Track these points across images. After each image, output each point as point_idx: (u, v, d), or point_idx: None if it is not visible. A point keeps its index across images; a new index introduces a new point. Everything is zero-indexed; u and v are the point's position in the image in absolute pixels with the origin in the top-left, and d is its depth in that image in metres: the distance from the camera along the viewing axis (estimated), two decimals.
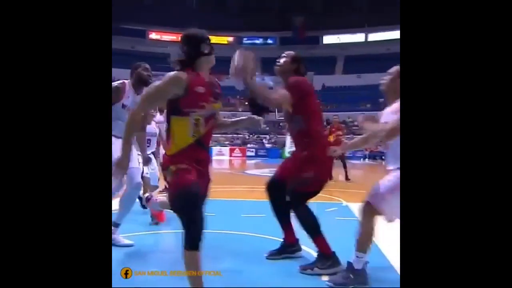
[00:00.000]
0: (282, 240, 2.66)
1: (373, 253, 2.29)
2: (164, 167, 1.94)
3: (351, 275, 2.18)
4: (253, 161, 21.25)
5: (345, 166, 8.09)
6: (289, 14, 33.78)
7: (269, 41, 36.44)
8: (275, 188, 2.61)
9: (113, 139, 2.39)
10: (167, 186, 2.30)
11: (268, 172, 11.80)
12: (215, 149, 23.74)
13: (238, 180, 10.69)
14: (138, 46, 31.82)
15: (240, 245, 3.20)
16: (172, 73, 1.82)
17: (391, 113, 2.21)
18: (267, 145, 26.86)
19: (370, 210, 2.18)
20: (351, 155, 18.12)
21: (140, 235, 3.35)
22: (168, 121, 1.85)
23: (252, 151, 25.57)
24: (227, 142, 26.82)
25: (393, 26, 26.70)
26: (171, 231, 3.52)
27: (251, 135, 28.24)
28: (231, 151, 24.99)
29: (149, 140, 4.17)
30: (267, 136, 27.92)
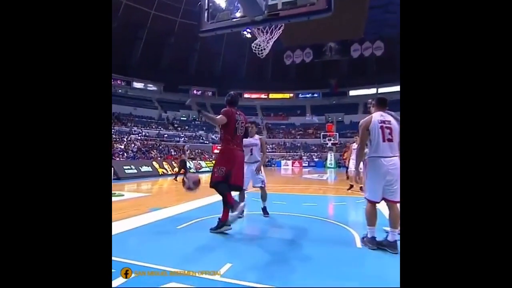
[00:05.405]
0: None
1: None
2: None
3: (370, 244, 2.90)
4: (307, 169, 23.95)
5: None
6: (327, 77, 39.21)
7: (315, 95, 41.67)
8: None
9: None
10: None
11: (316, 176, 14.13)
12: (282, 162, 29.55)
13: (298, 181, 12.29)
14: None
15: (300, 222, 3.90)
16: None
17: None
18: (315, 159, 31.21)
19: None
20: None
21: None
22: None
23: (306, 163, 29.98)
24: (290, 157, 31.17)
25: (393, 83, 32.04)
26: None
27: (305, 153, 32.25)
28: (293, 163, 29.87)
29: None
30: (315, 154, 32.44)
